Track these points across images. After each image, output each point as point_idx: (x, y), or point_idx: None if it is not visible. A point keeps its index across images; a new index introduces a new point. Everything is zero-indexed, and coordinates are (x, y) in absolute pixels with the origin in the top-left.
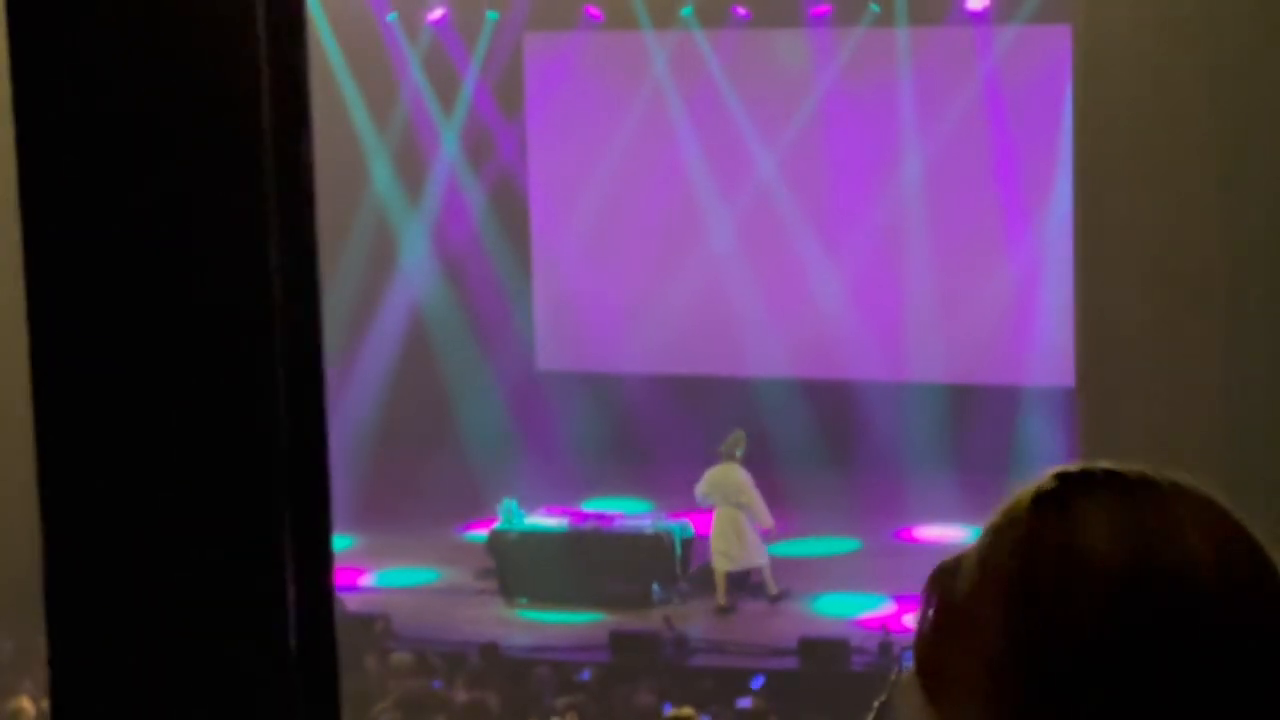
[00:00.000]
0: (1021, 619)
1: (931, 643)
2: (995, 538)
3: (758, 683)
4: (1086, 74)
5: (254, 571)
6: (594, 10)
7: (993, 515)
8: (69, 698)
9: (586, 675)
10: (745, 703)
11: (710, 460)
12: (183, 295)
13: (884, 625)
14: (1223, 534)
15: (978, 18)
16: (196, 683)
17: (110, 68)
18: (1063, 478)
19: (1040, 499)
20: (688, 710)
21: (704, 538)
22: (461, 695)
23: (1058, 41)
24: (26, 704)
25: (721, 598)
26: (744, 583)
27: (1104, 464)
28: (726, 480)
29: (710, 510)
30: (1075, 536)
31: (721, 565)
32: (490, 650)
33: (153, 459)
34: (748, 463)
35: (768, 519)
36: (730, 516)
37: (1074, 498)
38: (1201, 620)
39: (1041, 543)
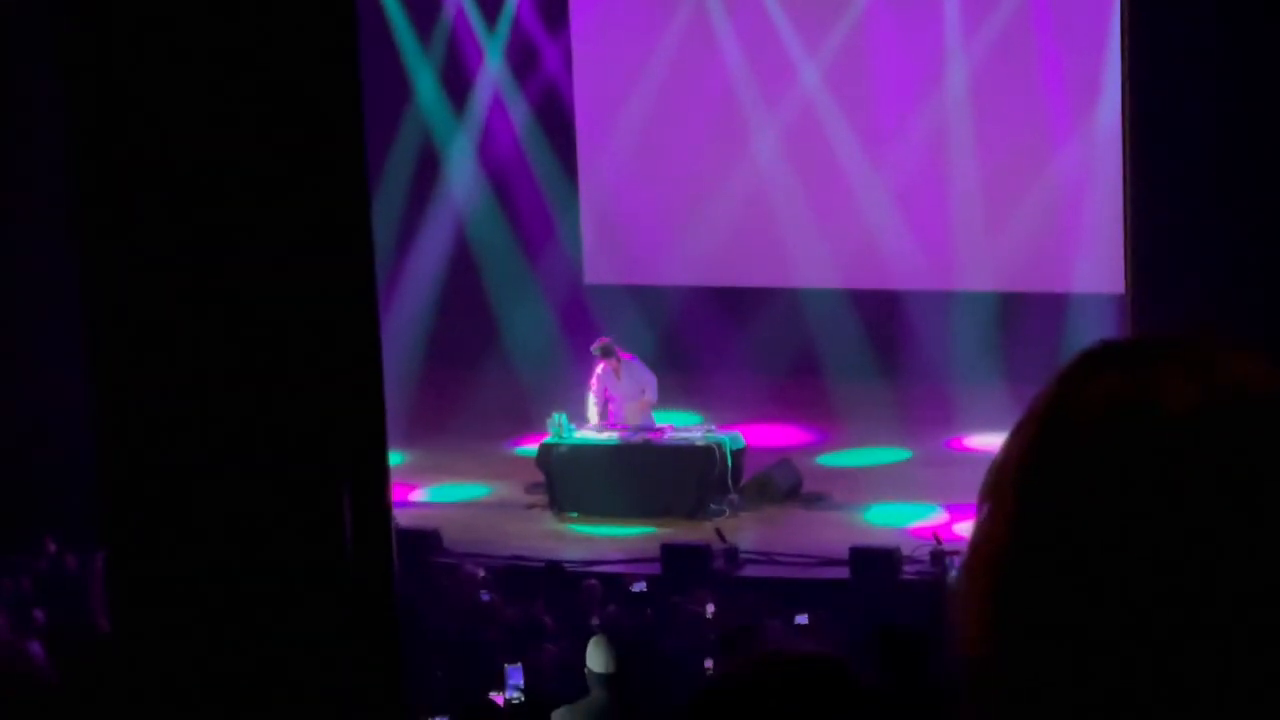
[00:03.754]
0: (1023, 474)
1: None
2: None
3: (802, 619)
4: None
5: (312, 486)
6: None
7: None
8: (127, 604)
9: (642, 586)
10: (802, 619)
11: (762, 370)
12: (234, 224)
13: (935, 534)
14: (1251, 378)
15: None
16: (259, 588)
17: (164, 9)
18: (1081, 353)
19: (1057, 374)
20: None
21: (754, 449)
22: (511, 609)
23: None
24: None
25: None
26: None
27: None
28: None
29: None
30: (1080, 390)
31: None
32: (539, 563)
33: (207, 379)
34: (798, 373)
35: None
36: None
37: (1085, 363)
38: (1207, 457)
39: (1047, 405)
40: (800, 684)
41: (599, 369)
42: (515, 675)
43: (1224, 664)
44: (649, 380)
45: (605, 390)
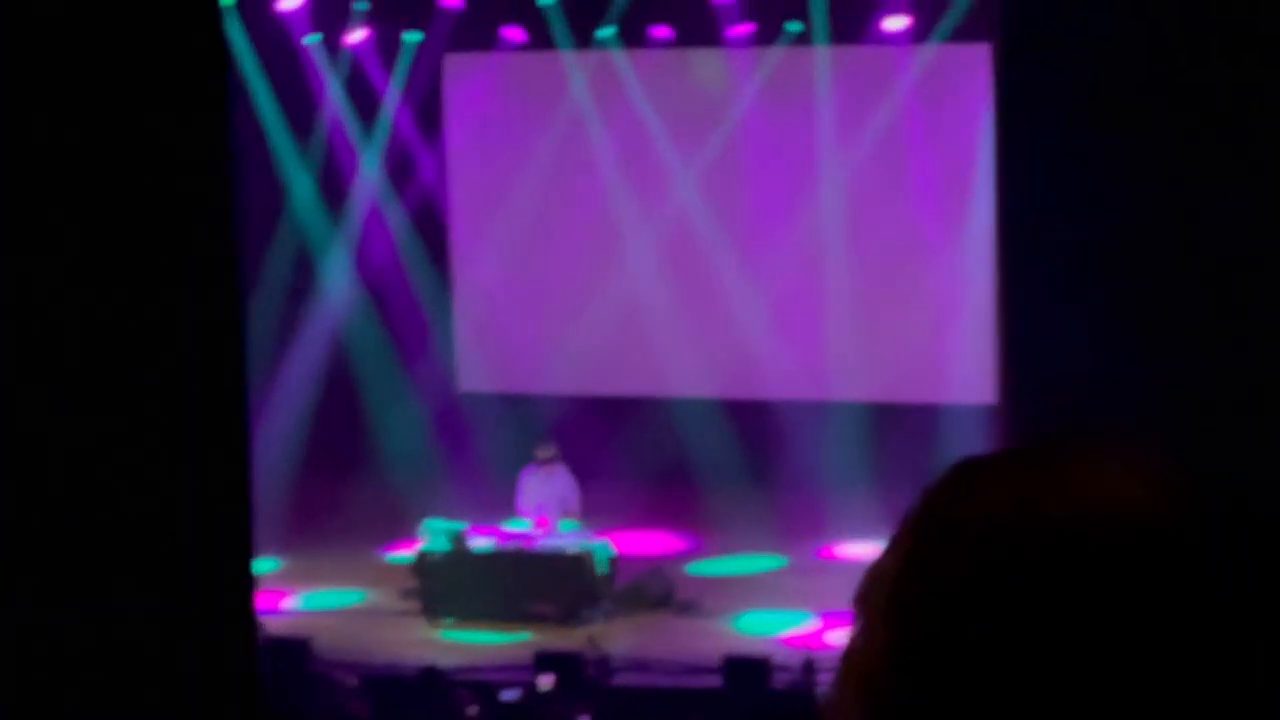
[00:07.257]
0: (899, 589)
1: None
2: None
3: None
4: (1008, 92)
5: (175, 594)
6: (514, 31)
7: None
8: None
9: (511, 695)
10: None
11: (635, 478)
12: (103, 327)
13: (807, 643)
14: (1129, 488)
15: (897, 37)
16: (123, 693)
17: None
18: (955, 465)
19: (929, 486)
20: None
21: (627, 557)
22: (383, 716)
23: (977, 61)
24: None
25: None
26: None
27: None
28: None
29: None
30: (956, 503)
31: None
32: (412, 671)
33: (73, 477)
34: (672, 481)
35: None
36: None
37: (960, 475)
38: (1086, 571)
39: (923, 518)
40: None
41: (532, 474)
42: None
43: None
44: (572, 490)
45: (535, 500)
